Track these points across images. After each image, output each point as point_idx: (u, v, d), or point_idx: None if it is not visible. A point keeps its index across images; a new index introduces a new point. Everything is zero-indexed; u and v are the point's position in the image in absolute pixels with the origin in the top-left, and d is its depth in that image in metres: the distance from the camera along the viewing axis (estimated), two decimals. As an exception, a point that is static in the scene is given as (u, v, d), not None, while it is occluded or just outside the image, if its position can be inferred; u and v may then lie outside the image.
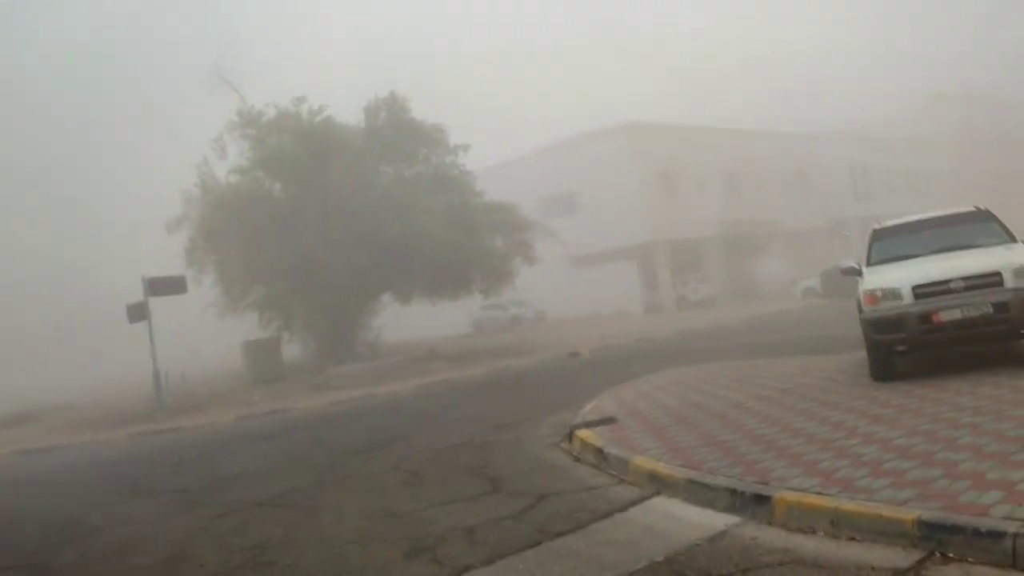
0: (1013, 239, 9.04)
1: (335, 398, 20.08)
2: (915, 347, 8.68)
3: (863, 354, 12.57)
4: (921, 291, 8.28)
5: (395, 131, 26.92)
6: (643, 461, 6.96)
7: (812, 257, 51.34)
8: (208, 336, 36.85)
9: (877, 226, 10.08)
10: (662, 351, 20.81)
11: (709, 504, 5.74)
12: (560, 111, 63.13)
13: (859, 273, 9.57)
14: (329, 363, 26.43)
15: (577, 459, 8.28)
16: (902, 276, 8.55)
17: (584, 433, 8.74)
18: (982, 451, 5.37)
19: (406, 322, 39.30)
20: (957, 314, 8.05)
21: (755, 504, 5.37)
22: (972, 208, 9.82)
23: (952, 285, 8.14)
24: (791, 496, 5.17)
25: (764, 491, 5.41)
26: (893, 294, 8.41)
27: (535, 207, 35.98)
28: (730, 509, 5.54)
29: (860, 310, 9.12)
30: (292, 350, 34.13)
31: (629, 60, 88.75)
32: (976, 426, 6.02)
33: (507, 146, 48.52)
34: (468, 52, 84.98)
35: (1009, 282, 7.94)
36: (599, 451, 7.86)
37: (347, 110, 27.58)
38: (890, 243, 9.69)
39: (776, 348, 16.94)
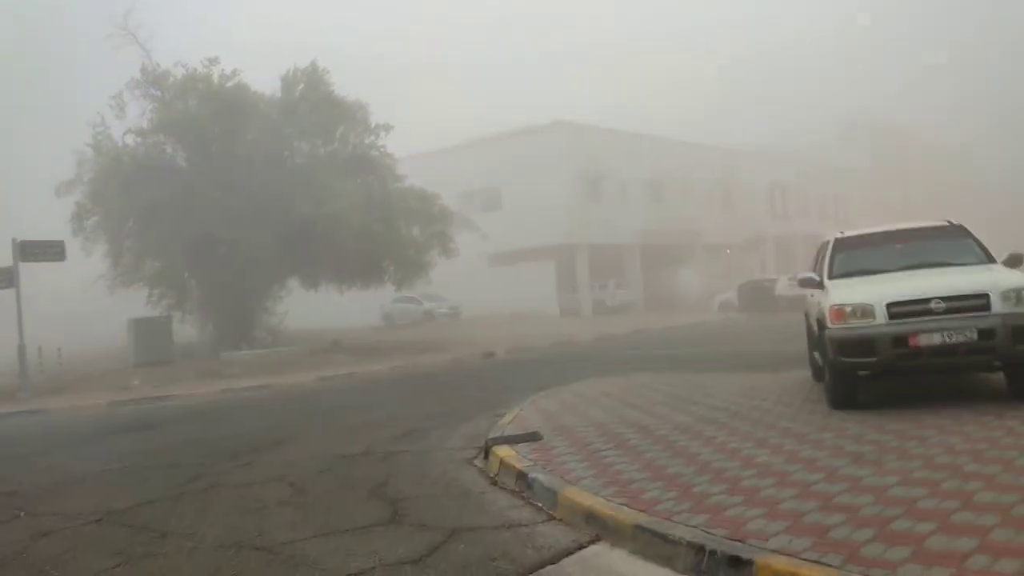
0: (991, 259, 8.16)
1: (226, 387, 18.30)
2: (882, 372, 7.71)
3: (803, 374, 11.78)
4: (897, 310, 7.29)
5: (313, 105, 25.15)
6: (577, 494, 5.71)
7: (728, 271, 51.59)
8: (100, 313, 34.13)
9: (840, 235, 9.09)
10: (582, 356, 19.75)
11: (666, 561, 4.52)
12: (491, 108, 61.88)
13: (819, 285, 8.57)
14: (227, 348, 24.49)
15: (494, 482, 7.00)
16: (875, 292, 7.55)
17: (503, 451, 7.46)
18: (1012, 514, 4.29)
19: (313, 310, 37.47)
20: (937, 339, 7.08)
21: (729, 568, 4.17)
22: (944, 222, 8.94)
23: (932, 305, 7.18)
24: (780, 564, 3.98)
25: (742, 552, 4.20)
26: (864, 311, 7.40)
27: (457, 201, 34.57)
28: (694, 570, 4.33)
29: (819, 327, 8.12)
30: (187, 332, 31.90)
31: (564, 62, 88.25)
32: (989, 478, 4.98)
33: (433, 139, 47.07)
34: (402, 36, 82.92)
35: (997, 306, 7.02)
36: (522, 475, 6.59)
37: (263, 79, 25.69)
38: (855, 255, 8.73)
39: (705, 361, 16.05)
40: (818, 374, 10.11)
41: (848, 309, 7.46)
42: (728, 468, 6.00)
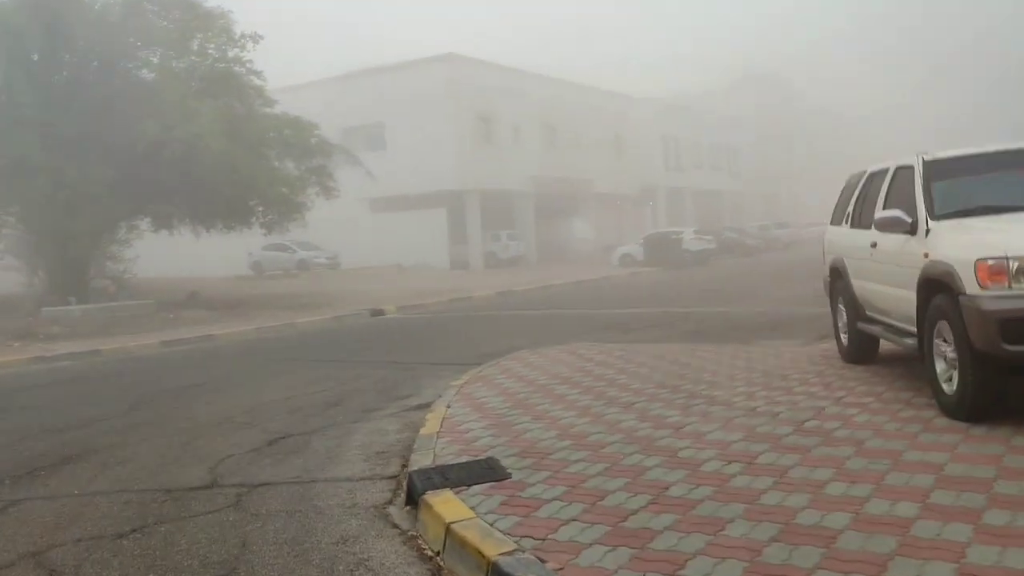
0: None
1: (39, 354, 14.22)
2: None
3: (815, 347, 9.12)
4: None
5: (162, 7, 20.66)
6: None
7: (621, 224, 49.57)
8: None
9: (930, 156, 6.17)
10: (491, 317, 16.67)
11: None
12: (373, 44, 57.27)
13: (909, 228, 5.71)
14: (52, 301, 20.06)
15: (438, 568, 3.85)
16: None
17: (448, 505, 4.31)
18: None
19: (171, 256, 32.89)
20: None
21: None
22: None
23: None
24: None
25: None
26: (1039, 267, 4.58)
27: (335, 139, 30.54)
28: None
29: (925, 291, 5.30)
30: (12, 281, 27.00)
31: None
32: None
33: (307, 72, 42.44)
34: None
35: None
36: (499, 573, 3.44)
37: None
38: (967, 184, 5.92)
39: (644, 325, 13.26)
40: (859, 353, 7.40)
41: (1013, 265, 4.61)
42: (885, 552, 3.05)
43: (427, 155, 36.89)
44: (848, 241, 7.50)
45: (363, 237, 37.49)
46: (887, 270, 6.25)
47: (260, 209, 22.26)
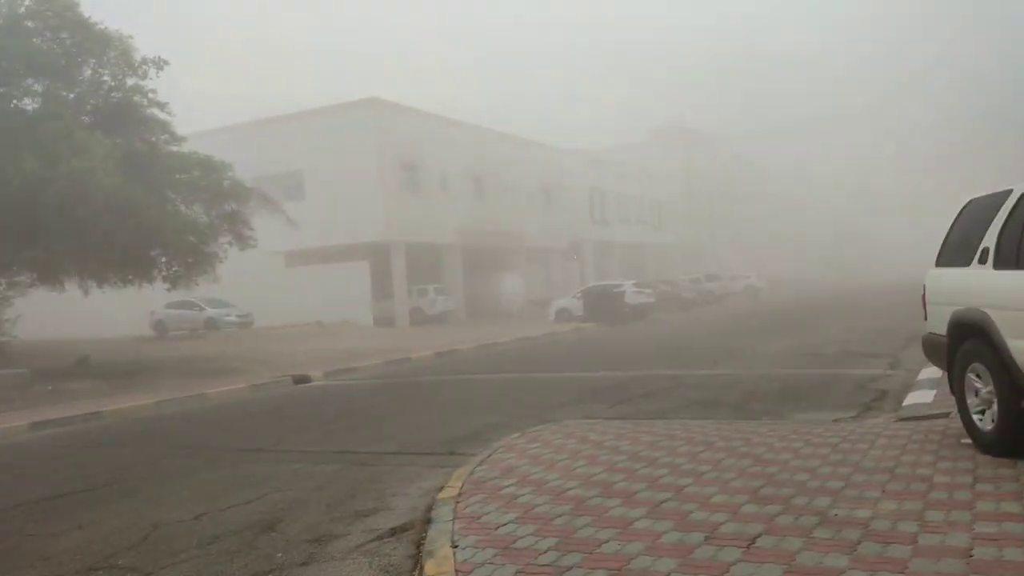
0: None
1: None
2: None
3: (904, 427, 7.02)
4: None
5: (49, 28, 17.83)
6: None
7: (551, 278, 47.79)
8: None
9: None
10: (443, 385, 14.18)
11: None
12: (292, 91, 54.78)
13: None
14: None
15: None
16: None
17: None
18: None
19: (65, 315, 29.45)
20: None
21: None
22: None
23: None
24: None
25: None
26: None
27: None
28: None
29: None
30: None
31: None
32: None
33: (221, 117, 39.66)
34: None
35: None
36: None
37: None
38: None
39: (641, 392, 10.98)
40: (1016, 442, 5.32)
41: None
42: None
43: (349, 205, 34.38)
44: (992, 287, 5.46)
45: (279, 293, 34.43)
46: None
47: (163, 260, 19.30)
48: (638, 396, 10.94)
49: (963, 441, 6.11)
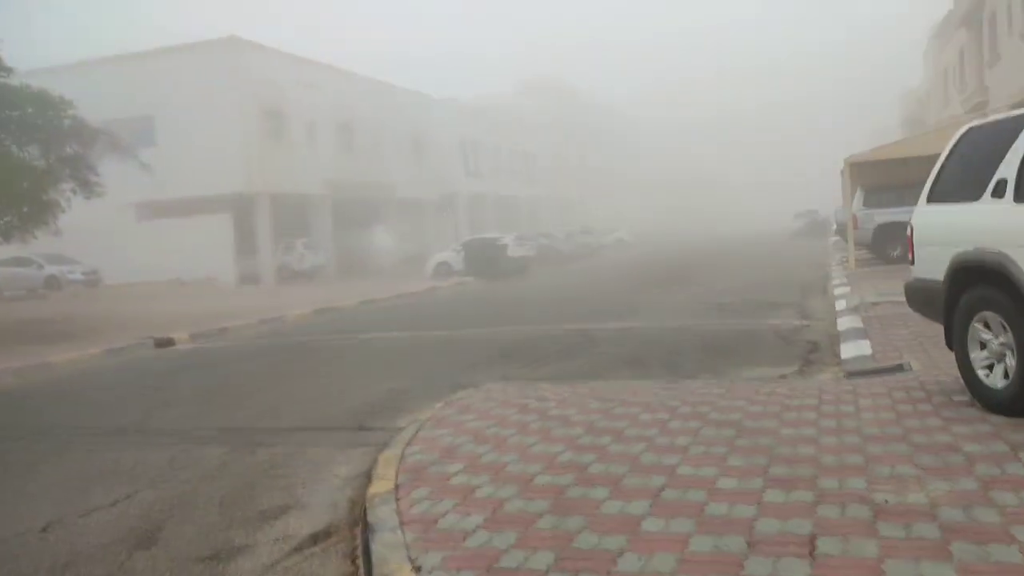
0: None
1: None
2: None
3: (864, 381, 6.35)
4: None
5: None
6: None
7: (424, 231, 46.36)
8: None
9: None
10: (329, 348, 12.83)
11: None
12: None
13: None
14: None
15: None
16: None
17: None
18: None
19: None
20: None
21: None
22: None
23: None
24: None
25: None
26: None
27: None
28: None
29: None
30: None
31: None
32: None
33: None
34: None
35: None
36: None
37: None
38: None
39: (556, 350, 10.06)
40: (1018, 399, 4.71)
41: None
42: None
43: (207, 153, 31.75)
44: (1015, 224, 4.76)
45: (130, 249, 31.50)
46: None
47: (-6, 210, 16.85)
48: (553, 354, 10.04)
49: (955, 399, 5.48)
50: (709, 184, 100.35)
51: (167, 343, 14.56)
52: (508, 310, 16.74)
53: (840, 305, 12.50)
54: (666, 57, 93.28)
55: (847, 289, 14.48)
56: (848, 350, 8.51)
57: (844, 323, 10.52)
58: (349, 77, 39.72)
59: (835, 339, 9.61)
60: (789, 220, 57.21)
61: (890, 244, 19.22)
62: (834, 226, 30.25)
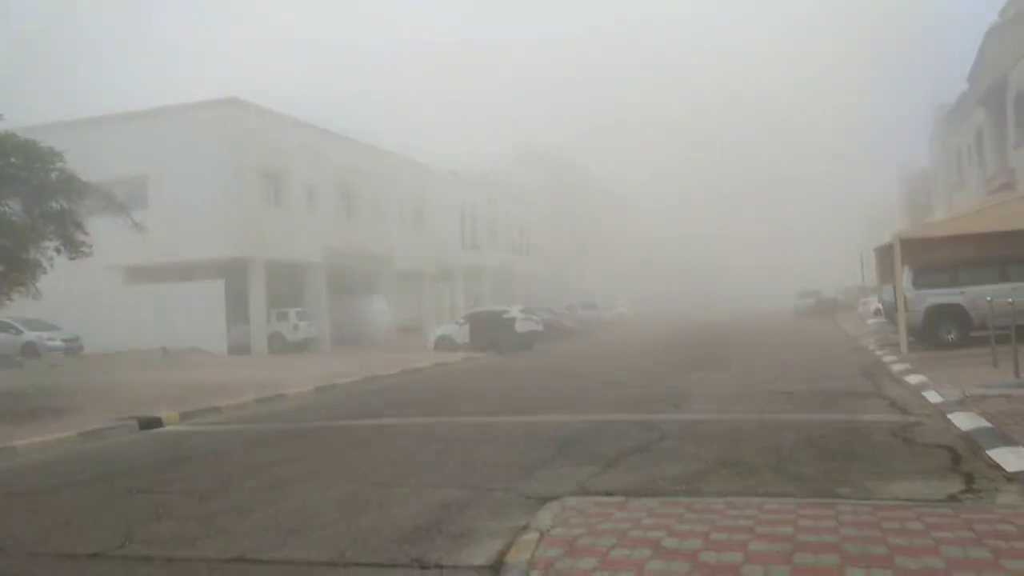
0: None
1: None
2: None
3: None
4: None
5: None
6: None
7: (421, 303, 44.79)
8: None
9: None
10: (342, 433, 11.04)
11: None
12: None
13: None
14: None
15: None
16: None
17: None
18: None
19: None
20: None
21: None
22: None
23: None
24: None
25: None
26: None
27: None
28: None
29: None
30: None
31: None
32: None
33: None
34: None
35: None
36: None
37: None
38: None
39: (626, 448, 8.27)
40: None
41: None
42: None
43: (202, 216, 30.29)
44: None
45: (115, 315, 29.69)
46: None
47: (-35, 269, 15.12)
48: (627, 453, 8.30)
49: None
50: (704, 261, 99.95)
51: (154, 423, 12.72)
52: (536, 392, 15.01)
53: (932, 397, 10.91)
54: (656, 138, 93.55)
55: (922, 377, 12.91)
56: (1007, 459, 6.89)
57: (963, 421, 8.90)
58: (349, 143, 38.60)
59: (968, 441, 7.98)
60: (790, 299, 56.16)
61: (943, 327, 17.76)
62: (876, 306, 28.78)
